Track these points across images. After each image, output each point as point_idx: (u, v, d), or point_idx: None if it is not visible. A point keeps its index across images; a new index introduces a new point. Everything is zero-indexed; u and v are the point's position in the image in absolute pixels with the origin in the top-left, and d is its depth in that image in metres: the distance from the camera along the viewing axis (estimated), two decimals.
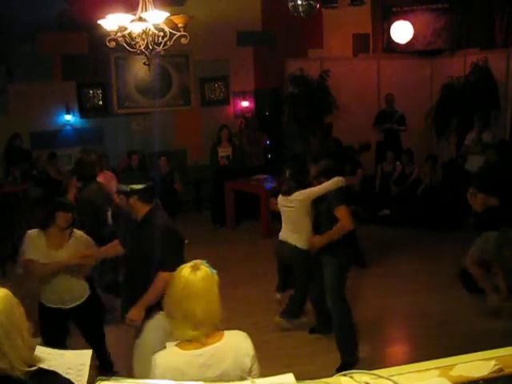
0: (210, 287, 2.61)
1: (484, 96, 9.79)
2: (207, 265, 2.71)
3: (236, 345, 2.59)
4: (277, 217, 9.66)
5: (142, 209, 4.08)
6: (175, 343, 2.58)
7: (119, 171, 8.70)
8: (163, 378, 2.41)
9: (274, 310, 6.42)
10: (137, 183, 4.06)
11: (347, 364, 4.76)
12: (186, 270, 2.61)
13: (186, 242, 4.21)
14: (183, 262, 2.97)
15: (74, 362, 2.54)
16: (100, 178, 6.98)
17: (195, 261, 2.70)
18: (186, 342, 2.54)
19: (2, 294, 2.22)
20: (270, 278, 7.56)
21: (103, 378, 2.14)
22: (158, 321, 3.88)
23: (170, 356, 2.54)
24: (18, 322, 2.13)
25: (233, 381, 2.41)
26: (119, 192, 4.14)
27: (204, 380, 2.35)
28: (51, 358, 2.45)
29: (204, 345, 2.53)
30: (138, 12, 4.74)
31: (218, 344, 2.55)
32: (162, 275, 3.79)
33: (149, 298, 3.88)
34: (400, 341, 6.03)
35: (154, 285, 3.88)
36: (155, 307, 3.81)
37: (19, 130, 10.09)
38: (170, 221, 4.32)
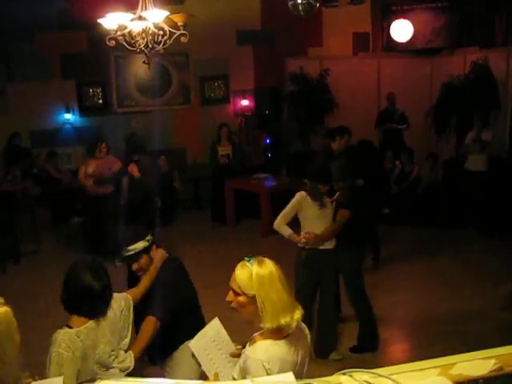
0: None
1: (484, 95, 9.78)
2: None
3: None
4: (276, 216, 9.72)
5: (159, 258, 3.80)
6: (259, 335, 2.61)
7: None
8: (275, 371, 2.46)
9: None
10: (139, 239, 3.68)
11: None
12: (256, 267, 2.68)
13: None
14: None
15: None
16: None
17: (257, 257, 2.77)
18: (272, 332, 2.55)
19: (1, 311, 2.24)
20: None
21: (103, 378, 2.14)
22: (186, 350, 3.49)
23: (272, 348, 2.55)
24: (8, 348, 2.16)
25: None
26: (138, 253, 3.66)
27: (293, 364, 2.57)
28: None
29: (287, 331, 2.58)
30: (138, 11, 4.73)
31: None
32: (153, 320, 3.52)
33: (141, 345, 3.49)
34: (399, 339, 6.03)
35: (143, 332, 3.52)
36: (180, 340, 3.73)
37: (19, 129, 10.08)
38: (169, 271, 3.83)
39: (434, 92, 11.04)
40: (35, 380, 2.55)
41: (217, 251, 8.21)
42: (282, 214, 5.38)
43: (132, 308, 3.36)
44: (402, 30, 11.34)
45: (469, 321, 6.00)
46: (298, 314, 2.60)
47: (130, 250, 3.63)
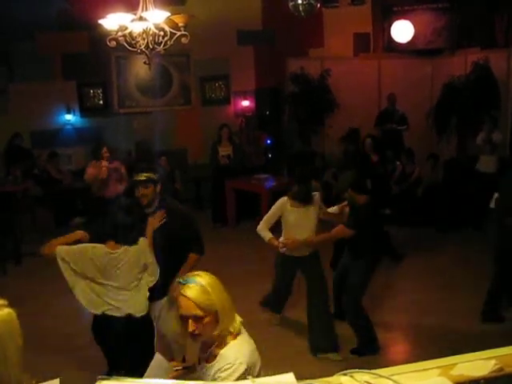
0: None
1: (485, 95, 9.78)
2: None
3: None
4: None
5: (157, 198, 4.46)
6: (217, 345, 2.56)
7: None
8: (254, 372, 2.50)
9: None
10: (150, 171, 4.43)
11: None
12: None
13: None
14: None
15: None
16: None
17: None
18: (230, 335, 2.56)
19: (4, 314, 2.24)
20: (270, 277, 7.57)
21: (104, 378, 2.14)
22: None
23: (248, 348, 2.57)
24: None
25: None
26: (149, 180, 4.39)
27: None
28: None
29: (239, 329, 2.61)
30: (139, 11, 4.74)
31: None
32: (194, 257, 4.52)
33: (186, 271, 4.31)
34: (400, 340, 6.02)
35: (187, 265, 4.40)
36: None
37: (20, 130, 10.10)
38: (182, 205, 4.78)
39: (435, 92, 11.04)
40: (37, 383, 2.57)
41: (217, 251, 8.20)
42: (264, 218, 5.57)
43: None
44: (402, 31, 11.35)
45: (469, 321, 6.00)
46: (238, 317, 2.66)
47: (143, 176, 4.37)
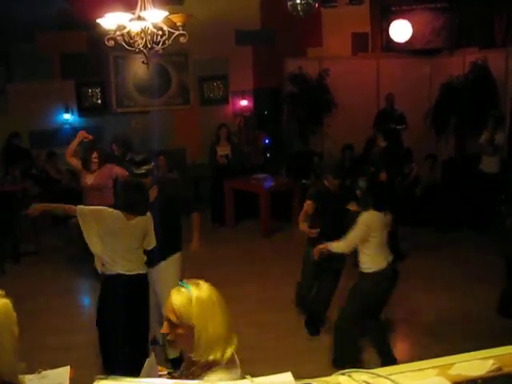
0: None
1: (483, 95, 9.78)
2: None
3: None
4: (276, 216, 9.74)
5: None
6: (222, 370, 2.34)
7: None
8: None
9: (273, 309, 6.44)
10: (148, 163, 5.01)
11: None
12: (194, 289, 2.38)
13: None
14: None
15: (54, 382, 2.59)
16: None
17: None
18: (220, 363, 2.33)
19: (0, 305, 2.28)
20: (268, 276, 7.58)
21: (101, 377, 2.15)
22: (179, 259, 5.19)
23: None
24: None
25: None
26: (147, 173, 4.97)
27: None
28: None
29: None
30: (137, 11, 4.73)
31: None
32: (197, 216, 5.39)
33: (199, 232, 5.37)
34: (398, 339, 6.03)
35: (197, 223, 5.36)
36: (176, 248, 5.17)
37: (18, 129, 10.09)
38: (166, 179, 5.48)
39: (433, 92, 11.05)
40: (39, 372, 2.61)
41: (216, 251, 8.21)
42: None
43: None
44: (401, 31, 11.34)
45: (468, 321, 6.01)
46: (230, 350, 2.35)
47: (142, 169, 4.92)
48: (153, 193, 4.99)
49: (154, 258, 4.93)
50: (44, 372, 2.64)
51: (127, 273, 4.62)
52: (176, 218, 5.22)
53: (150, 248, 4.82)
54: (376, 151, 8.61)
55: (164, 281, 5.00)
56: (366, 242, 4.80)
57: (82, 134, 7.06)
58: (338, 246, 5.00)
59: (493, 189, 8.71)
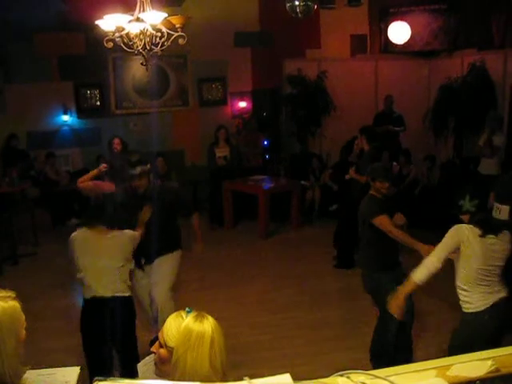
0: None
1: (481, 96, 9.79)
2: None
3: None
4: (274, 218, 9.74)
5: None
6: None
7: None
8: None
9: (271, 310, 6.44)
10: (143, 163, 4.95)
11: None
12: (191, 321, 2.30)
13: None
14: None
15: (61, 380, 2.60)
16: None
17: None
18: None
19: (7, 306, 2.32)
20: (267, 278, 7.58)
21: (100, 379, 2.15)
22: (177, 255, 5.22)
23: None
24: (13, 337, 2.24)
25: None
26: (145, 172, 4.93)
27: None
28: (40, 380, 2.55)
29: None
30: (136, 12, 4.73)
31: None
32: (196, 217, 5.36)
33: (200, 233, 5.41)
34: None
35: (197, 224, 5.37)
36: (175, 245, 5.21)
37: (16, 131, 10.08)
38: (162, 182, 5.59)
39: (432, 94, 11.06)
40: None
41: (215, 253, 8.21)
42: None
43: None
44: (399, 32, 11.35)
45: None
46: None
47: (138, 170, 4.87)
48: (147, 211, 4.92)
49: (150, 255, 5.03)
50: (53, 369, 2.66)
51: (104, 295, 4.35)
52: (173, 219, 5.27)
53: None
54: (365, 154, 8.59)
55: (157, 275, 5.08)
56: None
57: (103, 168, 6.84)
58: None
59: (490, 191, 8.68)
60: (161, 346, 2.29)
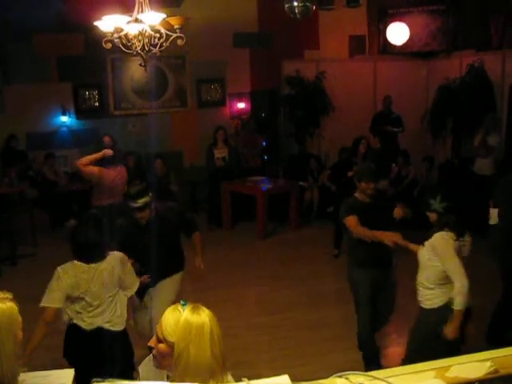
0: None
1: (480, 97, 9.80)
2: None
3: None
4: (273, 218, 9.74)
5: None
6: None
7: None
8: None
9: (270, 311, 6.44)
10: (145, 195, 4.71)
11: None
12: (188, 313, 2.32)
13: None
14: None
15: (56, 382, 2.59)
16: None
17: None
18: None
19: (5, 307, 2.33)
20: (265, 279, 7.58)
21: (98, 380, 2.15)
22: (179, 277, 5.18)
23: None
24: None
25: None
26: (144, 206, 4.69)
27: None
28: (36, 382, 2.57)
29: None
30: (134, 13, 4.74)
31: None
32: (198, 236, 5.28)
33: (202, 249, 5.34)
34: (396, 342, 6.02)
35: (199, 242, 5.30)
36: (178, 267, 5.16)
37: (15, 131, 10.08)
38: (162, 204, 5.16)
39: (430, 95, 11.07)
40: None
41: (212, 254, 8.19)
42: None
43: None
44: (398, 33, 11.36)
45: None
46: None
47: (139, 203, 4.65)
48: (145, 214, 4.78)
49: (153, 277, 4.86)
50: (48, 371, 2.66)
51: (88, 328, 4.02)
52: (177, 240, 5.20)
53: (133, 292, 4.32)
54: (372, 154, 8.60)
55: (158, 297, 4.96)
56: None
57: (109, 153, 7.00)
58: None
59: (484, 191, 8.75)
60: (159, 341, 2.30)
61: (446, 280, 4.20)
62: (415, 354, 4.05)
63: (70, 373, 2.66)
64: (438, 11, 11.28)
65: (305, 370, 4.74)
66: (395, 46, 11.60)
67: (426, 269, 4.34)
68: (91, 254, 3.99)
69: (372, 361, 5.10)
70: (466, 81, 10.16)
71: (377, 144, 7.95)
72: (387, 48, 11.79)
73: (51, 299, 4.03)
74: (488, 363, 2.28)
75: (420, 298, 4.41)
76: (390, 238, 4.90)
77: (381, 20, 11.76)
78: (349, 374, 2.23)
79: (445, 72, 10.76)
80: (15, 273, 8.01)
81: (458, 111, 10.02)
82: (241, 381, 2.27)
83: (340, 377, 2.23)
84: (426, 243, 4.34)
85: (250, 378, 2.23)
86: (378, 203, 5.27)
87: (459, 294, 4.04)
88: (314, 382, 2.21)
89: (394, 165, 10.06)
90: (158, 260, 4.67)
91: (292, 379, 2.21)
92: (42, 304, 4.01)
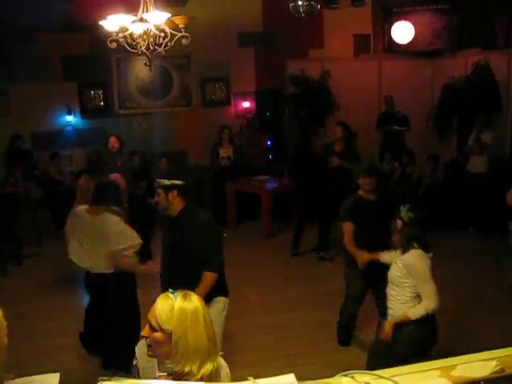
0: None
1: (485, 96, 9.77)
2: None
3: None
4: (277, 218, 9.73)
5: (178, 205, 4.22)
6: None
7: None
8: None
9: (274, 311, 6.44)
10: (177, 179, 4.27)
11: None
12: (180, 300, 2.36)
13: (225, 235, 4.55)
14: (223, 259, 3.78)
15: None
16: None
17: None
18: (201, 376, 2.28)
19: None
20: (270, 278, 7.58)
21: (104, 379, 2.15)
22: (220, 304, 4.30)
23: None
24: None
25: None
26: (159, 186, 4.24)
27: None
28: None
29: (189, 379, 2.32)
30: (139, 13, 4.74)
31: None
32: (209, 275, 4.16)
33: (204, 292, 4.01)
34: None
35: (202, 285, 4.09)
36: (215, 293, 4.23)
37: (20, 131, 10.09)
38: (208, 215, 4.59)
39: (436, 93, 11.03)
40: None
41: None
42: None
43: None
44: (403, 32, 11.33)
45: (468, 322, 5.99)
46: (209, 366, 2.30)
47: (162, 183, 4.23)
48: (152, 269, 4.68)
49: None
50: (32, 377, 2.58)
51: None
52: (193, 261, 4.28)
53: (134, 244, 4.85)
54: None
55: None
56: None
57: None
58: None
59: (478, 188, 8.81)
60: (153, 330, 2.32)
61: (417, 296, 4.32)
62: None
63: (54, 377, 2.60)
64: (442, 10, 11.25)
65: (309, 369, 4.74)
66: (400, 45, 11.58)
67: (397, 285, 4.32)
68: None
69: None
70: (472, 80, 10.13)
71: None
72: (392, 47, 11.76)
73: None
74: (493, 362, 2.28)
75: (390, 310, 4.37)
76: (359, 259, 5.08)
77: (385, 19, 11.73)
78: (354, 373, 2.23)
79: (450, 71, 10.73)
80: (20, 272, 8.03)
81: (463, 110, 9.99)
82: (246, 379, 2.27)
83: (346, 375, 2.23)
84: (399, 261, 4.28)
85: (255, 377, 2.22)
86: (382, 201, 5.28)
87: (422, 310, 4.22)
88: (320, 380, 2.21)
89: (397, 164, 10.05)
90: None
91: (297, 378, 2.21)
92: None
